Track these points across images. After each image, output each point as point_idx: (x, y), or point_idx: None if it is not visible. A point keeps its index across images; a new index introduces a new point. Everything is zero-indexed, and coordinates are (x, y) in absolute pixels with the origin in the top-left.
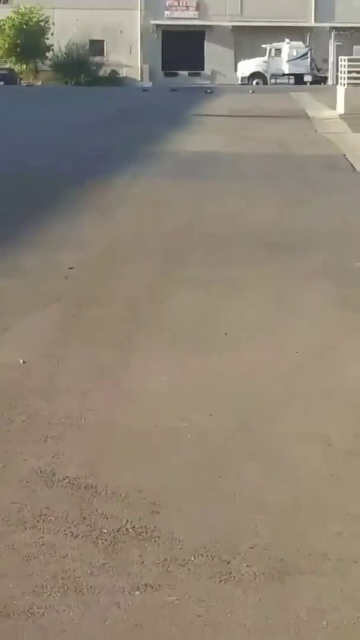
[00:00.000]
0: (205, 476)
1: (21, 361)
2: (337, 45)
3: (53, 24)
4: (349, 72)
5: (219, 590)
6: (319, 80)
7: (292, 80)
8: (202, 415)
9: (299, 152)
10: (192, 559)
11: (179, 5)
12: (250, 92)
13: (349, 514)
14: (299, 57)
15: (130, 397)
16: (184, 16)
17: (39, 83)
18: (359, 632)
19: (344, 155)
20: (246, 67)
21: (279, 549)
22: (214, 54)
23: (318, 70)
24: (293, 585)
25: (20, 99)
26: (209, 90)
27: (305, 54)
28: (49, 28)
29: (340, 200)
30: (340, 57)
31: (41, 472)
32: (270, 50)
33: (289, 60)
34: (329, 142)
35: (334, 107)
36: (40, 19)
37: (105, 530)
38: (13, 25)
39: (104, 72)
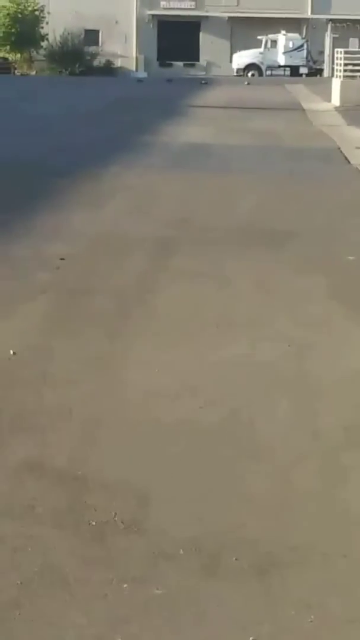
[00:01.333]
0: (195, 469)
1: (11, 352)
2: (333, 37)
3: (48, 13)
4: (345, 64)
5: (206, 584)
6: (315, 72)
7: (287, 72)
8: (193, 407)
9: (293, 144)
10: (181, 552)
11: None
12: (246, 83)
13: (337, 507)
14: (295, 49)
15: (120, 388)
16: (180, 6)
17: (34, 72)
18: (345, 625)
19: (339, 148)
20: (242, 58)
21: (267, 543)
22: (209, 44)
23: (314, 62)
24: (281, 579)
25: (14, 88)
26: (204, 82)
27: (301, 45)
28: (44, 17)
29: (333, 193)
30: (336, 49)
31: (29, 463)
32: (266, 41)
33: (284, 52)
34: (324, 134)
35: (329, 100)
36: (36, 7)
37: (94, 523)
38: (8, 14)
39: (98, 62)
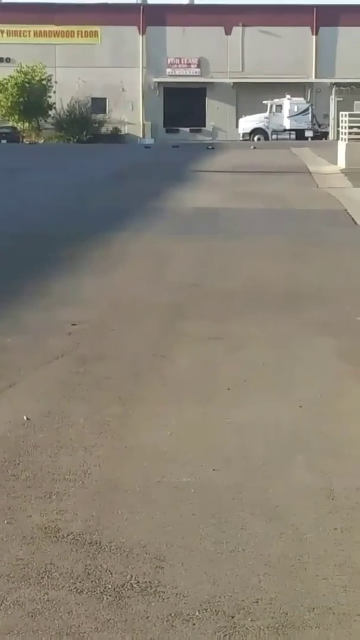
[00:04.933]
0: (209, 530)
1: (25, 418)
2: (337, 101)
3: (55, 82)
4: (350, 127)
5: None
6: (320, 135)
7: (293, 136)
8: (206, 470)
9: (300, 207)
10: (197, 613)
11: (180, 62)
12: (252, 147)
13: (353, 567)
14: (299, 113)
15: (133, 452)
16: (185, 73)
17: (42, 141)
18: None
19: (345, 210)
20: (247, 123)
21: (283, 603)
22: (215, 110)
23: (319, 125)
24: None
25: (23, 157)
26: (210, 147)
27: (306, 109)
28: (51, 86)
29: (340, 255)
30: (341, 113)
31: (46, 528)
32: (271, 106)
33: (290, 116)
34: (330, 196)
35: (335, 162)
36: (43, 77)
37: (110, 586)
38: (16, 83)
39: (106, 129)
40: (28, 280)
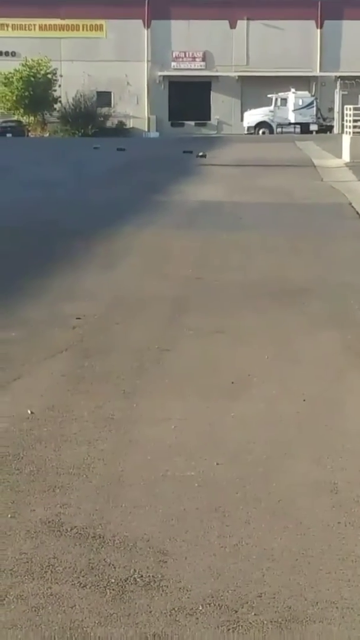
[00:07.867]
0: (213, 524)
1: (29, 411)
2: (342, 94)
3: (61, 76)
4: (355, 120)
5: (227, 639)
6: (325, 129)
7: (298, 129)
8: (209, 464)
9: (305, 200)
10: (200, 607)
11: (185, 56)
12: (257, 141)
13: (356, 561)
14: (304, 107)
15: (137, 446)
16: (190, 67)
17: (47, 134)
18: None
19: (350, 204)
20: (252, 116)
21: (286, 597)
22: (220, 103)
23: (324, 119)
24: (301, 634)
25: (28, 151)
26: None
27: (311, 103)
28: (56, 80)
29: (345, 249)
30: (345, 106)
31: (49, 522)
32: (276, 99)
33: (294, 110)
34: (335, 190)
35: (339, 156)
36: (48, 71)
37: (113, 580)
38: (21, 77)
39: (111, 123)
40: (32, 274)
